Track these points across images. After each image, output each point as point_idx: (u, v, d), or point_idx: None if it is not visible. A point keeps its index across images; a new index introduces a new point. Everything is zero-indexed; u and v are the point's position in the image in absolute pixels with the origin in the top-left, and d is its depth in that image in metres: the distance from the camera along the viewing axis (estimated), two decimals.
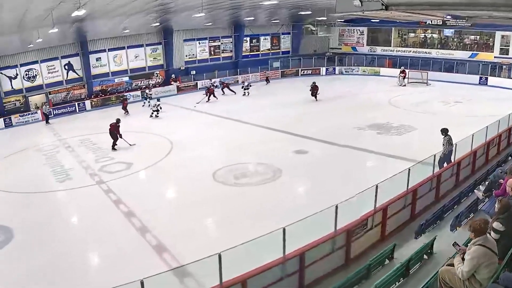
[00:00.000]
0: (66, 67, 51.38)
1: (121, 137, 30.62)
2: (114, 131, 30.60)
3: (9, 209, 22.83)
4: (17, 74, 48.70)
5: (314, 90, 44.94)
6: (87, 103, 51.25)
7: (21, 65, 48.65)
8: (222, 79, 56.74)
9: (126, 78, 55.88)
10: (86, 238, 18.87)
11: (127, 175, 26.21)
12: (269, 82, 60.90)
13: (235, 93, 52.41)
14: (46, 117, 45.66)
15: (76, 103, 50.78)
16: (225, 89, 53.31)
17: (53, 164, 29.82)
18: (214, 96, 49.85)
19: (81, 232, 19.87)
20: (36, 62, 49.39)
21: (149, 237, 17.96)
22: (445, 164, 20.14)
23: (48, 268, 16.33)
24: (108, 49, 53.59)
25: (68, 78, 51.83)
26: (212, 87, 51.08)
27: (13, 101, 48.53)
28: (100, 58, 53.26)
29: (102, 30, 47.76)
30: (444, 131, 21.26)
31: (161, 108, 42.93)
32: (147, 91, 51.06)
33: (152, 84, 57.51)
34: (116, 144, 30.82)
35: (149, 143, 33.07)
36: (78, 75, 52.36)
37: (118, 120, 31.10)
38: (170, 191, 24.70)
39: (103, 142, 33.17)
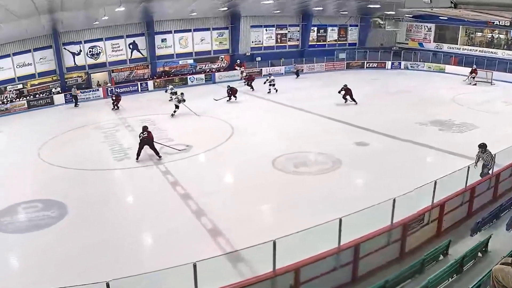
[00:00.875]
0: (131, 46, 52.34)
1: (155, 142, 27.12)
2: (151, 139, 26.57)
3: (65, 185, 23.30)
4: (80, 51, 49.91)
5: (346, 93, 39.23)
6: (150, 83, 52.01)
7: (85, 41, 49.80)
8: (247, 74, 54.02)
9: (191, 61, 56.41)
10: (140, 218, 19.22)
11: (186, 158, 26.48)
12: (298, 76, 57.37)
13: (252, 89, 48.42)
14: (75, 100, 46.06)
15: (139, 83, 51.56)
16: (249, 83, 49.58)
17: (112, 143, 30.41)
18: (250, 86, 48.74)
19: (136, 212, 20.25)
20: (100, 39, 50.46)
21: (205, 221, 18.08)
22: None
23: (100, 245, 16.64)
24: (174, 31, 54.16)
25: (132, 58, 52.78)
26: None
27: (75, 77, 49.71)
28: (165, 39, 53.93)
29: (169, 11, 48.39)
30: (483, 147, 19.64)
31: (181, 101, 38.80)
32: (170, 86, 46.02)
33: (216, 68, 58.06)
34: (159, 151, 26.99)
35: (210, 127, 33.14)
36: (143, 55, 53.26)
37: (145, 128, 26.82)
38: (228, 176, 24.75)
39: (163, 123, 33.77)
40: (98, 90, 49.77)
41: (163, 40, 53.84)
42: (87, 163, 26.40)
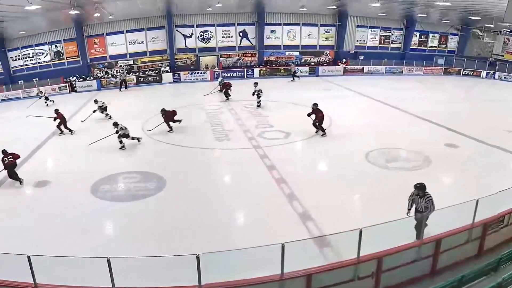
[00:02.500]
0: (241, 34, 53.25)
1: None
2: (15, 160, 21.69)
3: (165, 160, 24.30)
4: (192, 34, 51.34)
5: (315, 116, 28.36)
6: (256, 70, 52.74)
7: (198, 25, 51.29)
8: (223, 79, 45.64)
9: (297, 53, 56.72)
10: (235, 197, 19.58)
11: (283, 144, 26.66)
12: (294, 79, 51.50)
13: (227, 98, 40.52)
14: (124, 84, 47.66)
15: (245, 69, 52.41)
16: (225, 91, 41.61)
17: (215, 123, 31.06)
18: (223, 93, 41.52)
19: (231, 190, 20.71)
20: (212, 25, 51.68)
21: (296, 205, 18.13)
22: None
23: (193, 220, 17.10)
24: (284, 23, 54.58)
25: (241, 45, 53.61)
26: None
27: (185, 58, 51.11)
28: (274, 30, 54.50)
29: (280, 4, 49.26)
30: (421, 189, 14.39)
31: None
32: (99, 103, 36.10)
33: (320, 62, 58.39)
34: None
35: (310, 117, 31.97)
36: (251, 43, 54.05)
37: (5, 152, 21.64)
38: (322, 164, 24.51)
39: (265, 110, 34.27)
40: (205, 72, 51.26)
41: (272, 31, 54.48)
42: (188, 140, 27.20)
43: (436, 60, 63.82)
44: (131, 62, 51.90)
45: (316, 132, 28.79)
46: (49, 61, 51.95)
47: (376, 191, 19.58)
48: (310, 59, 58.12)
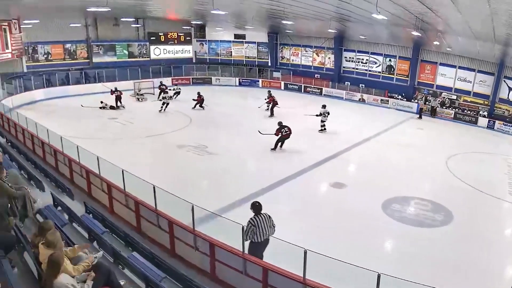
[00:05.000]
0: None
1: None
2: None
3: (459, 197, 24.34)
4: None
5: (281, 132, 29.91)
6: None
7: None
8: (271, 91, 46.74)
9: None
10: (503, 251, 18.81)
11: None
12: (421, 117, 49.44)
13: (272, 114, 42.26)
14: (433, 112, 48.97)
15: None
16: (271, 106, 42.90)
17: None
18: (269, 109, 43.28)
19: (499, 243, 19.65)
20: None
21: None
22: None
23: (468, 261, 17.05)
24: None
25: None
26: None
27: (503, 109, 49.47)
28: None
29: None
30: (255, 208, 13.21)
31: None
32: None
33: None
34: None
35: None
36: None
37: None
38: None
39: None
40: None
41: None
42: (481, 184, 26.29)
43: None
44: (454, 97, 51.94)
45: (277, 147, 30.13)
46: (379, 72, 54.51)
47: None
48: None
